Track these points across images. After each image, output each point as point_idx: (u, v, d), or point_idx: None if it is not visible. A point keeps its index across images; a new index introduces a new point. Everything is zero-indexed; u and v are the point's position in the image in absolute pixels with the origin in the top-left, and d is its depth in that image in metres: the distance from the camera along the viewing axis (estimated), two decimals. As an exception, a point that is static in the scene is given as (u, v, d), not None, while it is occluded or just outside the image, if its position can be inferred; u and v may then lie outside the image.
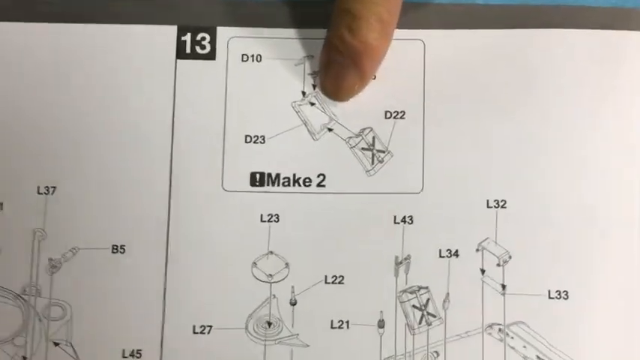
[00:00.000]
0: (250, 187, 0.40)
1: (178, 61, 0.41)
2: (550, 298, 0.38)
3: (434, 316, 0.38)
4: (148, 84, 0.41)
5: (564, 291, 0.38)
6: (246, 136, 0.40)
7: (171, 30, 0.41)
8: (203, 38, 0.41)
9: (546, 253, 0.39)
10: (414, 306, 0.38)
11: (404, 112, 0.40)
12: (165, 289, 0.39)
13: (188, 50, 0.41)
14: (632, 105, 0.40)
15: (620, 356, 0.38)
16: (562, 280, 0.38)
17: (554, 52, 0.40)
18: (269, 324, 0.39)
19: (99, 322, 0.39)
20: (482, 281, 0.39)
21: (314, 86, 0.41)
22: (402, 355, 0.38)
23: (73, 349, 0.39)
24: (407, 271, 0.39)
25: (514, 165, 0.39)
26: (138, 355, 0.39)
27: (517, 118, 0.40)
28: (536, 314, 0.38)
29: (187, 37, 0.41)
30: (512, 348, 0.38)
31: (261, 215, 0.40)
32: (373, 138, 0.40)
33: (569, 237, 0.39)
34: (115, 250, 0.40)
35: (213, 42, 0.41)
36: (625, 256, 0.38)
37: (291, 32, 0.41)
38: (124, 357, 0.39)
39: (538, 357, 0.38)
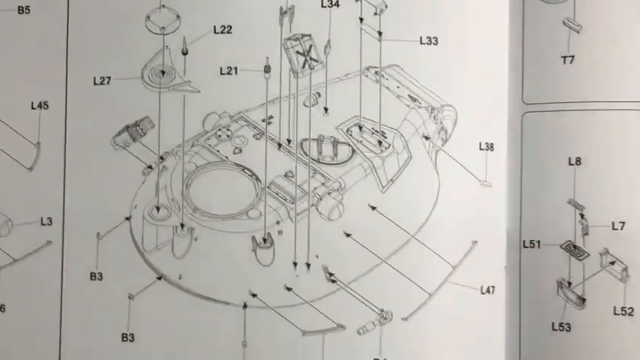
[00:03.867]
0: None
1: None
2: (422, 43, 0.41)
3: (316, 61, 0.41)
4: None
5: (434, 37, 0.41)
6: None
7: None
8: None
9: (419, 2, 0.42)
10: (297, 52, 0.41)
11: None
12: (67, 43, 0.42)
13: None
14: None
15: (484, 97, 0.42)
16: (433, 27, 0.42)
17: None
18: (163, 73, 0.42)
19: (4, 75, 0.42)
20: (361, 29, 0.42)
21: None
22: (287, 96, 0.42)
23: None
24: (291, 20, 0.41)
25: None
26: (45, 107, 0.42)
27: None
28: (409, 58, 0.41)
29: None
30: (387, 88, 0.41)
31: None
32: None
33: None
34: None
35: None
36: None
37: None
38: (32, 108, 0.42)
39: (410, 96, 0.41)
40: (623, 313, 0.40)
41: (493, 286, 0.41)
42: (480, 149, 0.42)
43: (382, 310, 0.40)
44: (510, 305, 0.41)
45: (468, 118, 0.42)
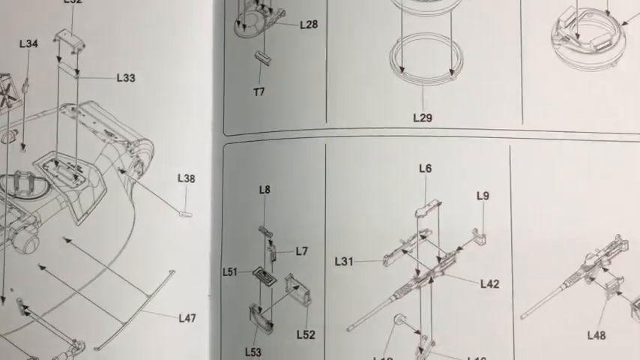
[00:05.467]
0: None
1: None
2: (119, 80, 0.43)
3: (14, 99, 0.43)
4: None
5: (131, 74, 0.43)
6: None
7: None
8: None
9: (118, 40, 0.43)
10: (-5, 91, 0.43)
11: None
12: None
13: None
14: None
15: (184, 131, 0.43)
16: (131, 64, 0.43)
17: None
18: None
19: None
20: (59, 67, 0.43)
21: None
22: (-15, 134, 0.43)
23: None
24: (-8, 62, 0.43)
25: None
26: None
27: None
28: (105, 94, 0.43)
29: None
30: (84, 124, 0.43)
31: None
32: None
33: (144, 25, 0.44)
34: None
35: None
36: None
37: None
38: None
39: (106, 131, 0.43)
40: (305, 336, 0.41)
41: (194, 314, 0.42)
42: (179, 181, 0.43)
43: (75, 341, 0.41)
44: (212, 332, 0.42)
45: (166, 151, 0.43)
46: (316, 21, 0.43)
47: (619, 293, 0.41)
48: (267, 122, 0.43)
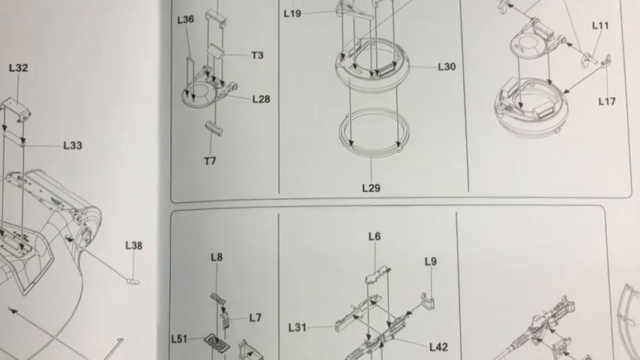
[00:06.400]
0: None
1: None
2: (65, 148, 0.43)
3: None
4: None
5: (78, 142, 0.43)
6: None
7: None
8: None
9: (63, 108, 0.43)
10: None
11: None
12: None
13: None
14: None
15: (131, 198, 0.43)
16: (77, 132, 0.43)
17: None
18: None
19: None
20: (4, 136, 0.43)
21: None
22: None
23: None
24: None
25: (35, 32, 0.44)
26: None
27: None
28: (52, 162, 0.43)
29: None
30: (30, 192, 0.42)
31: None
32: None
33: (90, 93, 0.43)
34: None
35: None
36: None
37: None
38: None
39: (53, 199, 0.42)
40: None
41: (144, 382, 0.42)
42: (127, 248, 0.43)
43: (21, 415, 0.41)
44: (162, 401, 0.42)
45: (114, 219, 0.43)
46: (269, 96, 0.43)
47: (566, 354, 0.42)
48: (219, 191, 0.43)
